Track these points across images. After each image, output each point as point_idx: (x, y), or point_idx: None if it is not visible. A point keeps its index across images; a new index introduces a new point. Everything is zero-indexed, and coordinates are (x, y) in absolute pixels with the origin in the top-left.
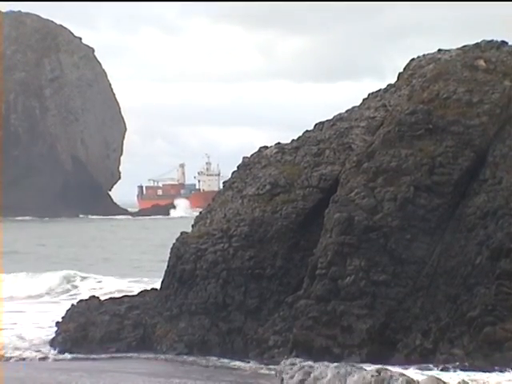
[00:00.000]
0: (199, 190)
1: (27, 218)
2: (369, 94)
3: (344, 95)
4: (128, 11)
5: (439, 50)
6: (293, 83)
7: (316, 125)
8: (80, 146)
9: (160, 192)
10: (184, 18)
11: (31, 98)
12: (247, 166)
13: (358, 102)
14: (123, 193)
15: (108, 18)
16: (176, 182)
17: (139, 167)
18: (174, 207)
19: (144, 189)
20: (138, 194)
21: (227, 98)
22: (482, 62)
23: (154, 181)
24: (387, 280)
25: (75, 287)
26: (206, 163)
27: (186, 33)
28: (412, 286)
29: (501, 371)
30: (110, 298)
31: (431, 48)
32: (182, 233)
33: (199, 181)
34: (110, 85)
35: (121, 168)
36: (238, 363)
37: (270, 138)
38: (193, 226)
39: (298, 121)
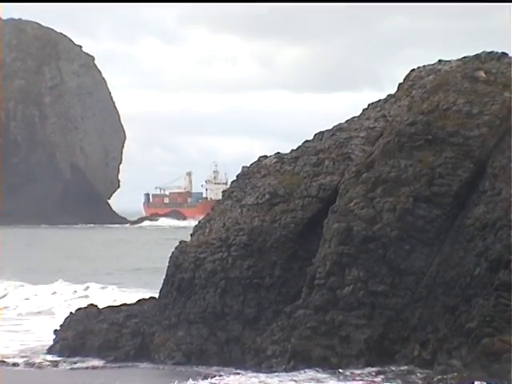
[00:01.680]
0: (206, 198)
1: (21, 226)
2: (369, 105)
3: (343, 106)
4: (128, 20)
5: (439, 61)
6: (291, 93)
7: (315, 135)
8: (79, 154)
9: (167, 200)
10: (183, 27)
11: (31, 105)
12: (246, 176)
13: (356, 113)
14: (120, 201)
15: (108, 27)
16: (183, 191)
17: (137, 176)
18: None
19: (151, 197)
20: (144, 202)
21: (226, 107)
22: (482, 74)
23: (160, 189)
24: (386, 290)
25: None
26: (214, 171)
27: (185, 42)
28: (410, 296)
29: None
30: (109, 307)
31: (430, 59)
32: (180, 241)
33: (206, 189)
34: (109, 93)
35: (120, 176)
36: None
37: (268, 147)
38: (192, 234)
39: (296, 131)
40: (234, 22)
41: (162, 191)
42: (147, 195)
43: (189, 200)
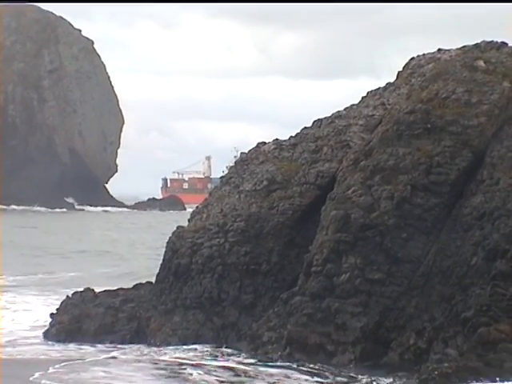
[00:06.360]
0: None
1: (15, 207)
2: (368, 92)
3: (339, 93)
4: (125, 5)
5: (439, 50)
6: (288, 80)
7: (314, 122)
8: (77, 138)
9: (186, 186)
10: (181, 12)
11: (29, 88)
12: (245, 162)
13: (353, 100)
14: (118, 185)
15: (105, 12)
16: (202, 176)
17: (134, 160)
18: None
19: (168, 181)
20: (162, 187)
21: (223, 93)
22: (481, 63)
23: (178, 173)
24: (382, 278)
25: None
26: (235, 157)
27: (182, 27)
28: (407, 285)
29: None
30: (105, 291)
31: (427, 47)
32: (178, 227)
33: None
34: (108, 77)
35: (117, 161)
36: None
37: (264, 134)
38: (189, 220)
39: (292, 117)
40: (231, 8)
41: (181, 176)
42: (165, 180)
43: (209, 185)
